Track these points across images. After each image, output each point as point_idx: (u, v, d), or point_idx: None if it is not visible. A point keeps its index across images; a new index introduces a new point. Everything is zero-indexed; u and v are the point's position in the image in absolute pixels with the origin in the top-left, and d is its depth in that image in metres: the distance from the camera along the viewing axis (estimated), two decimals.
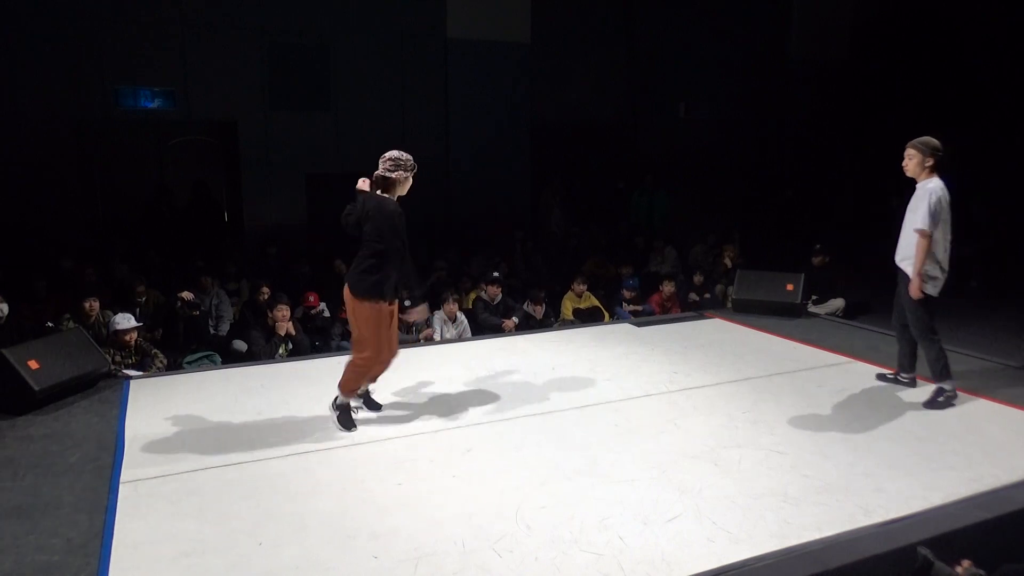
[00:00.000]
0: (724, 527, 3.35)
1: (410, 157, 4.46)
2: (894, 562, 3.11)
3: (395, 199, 4.41)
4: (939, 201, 4.73)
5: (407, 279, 4.40)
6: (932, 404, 4.89)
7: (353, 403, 4.68)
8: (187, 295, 7.31)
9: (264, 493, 3.71)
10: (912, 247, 4.83)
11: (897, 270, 5.02)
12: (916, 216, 4.79)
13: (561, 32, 12.52)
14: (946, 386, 4.92)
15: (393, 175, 4.38)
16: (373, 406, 4.84)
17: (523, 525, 3.38)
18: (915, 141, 4.89)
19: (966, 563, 2.88)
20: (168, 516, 3.48)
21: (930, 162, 4.81)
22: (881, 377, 5.44)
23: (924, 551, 2.99)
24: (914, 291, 4.82)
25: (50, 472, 3.96)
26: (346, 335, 7.01)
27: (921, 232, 4.75)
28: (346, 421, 4.55)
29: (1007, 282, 9.60)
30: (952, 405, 4.89)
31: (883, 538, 3.22)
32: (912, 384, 5.28)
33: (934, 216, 4.72)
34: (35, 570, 3.05)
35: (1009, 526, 3.42)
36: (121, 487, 3.78)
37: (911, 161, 4.88)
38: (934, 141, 4.85)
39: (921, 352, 5.10)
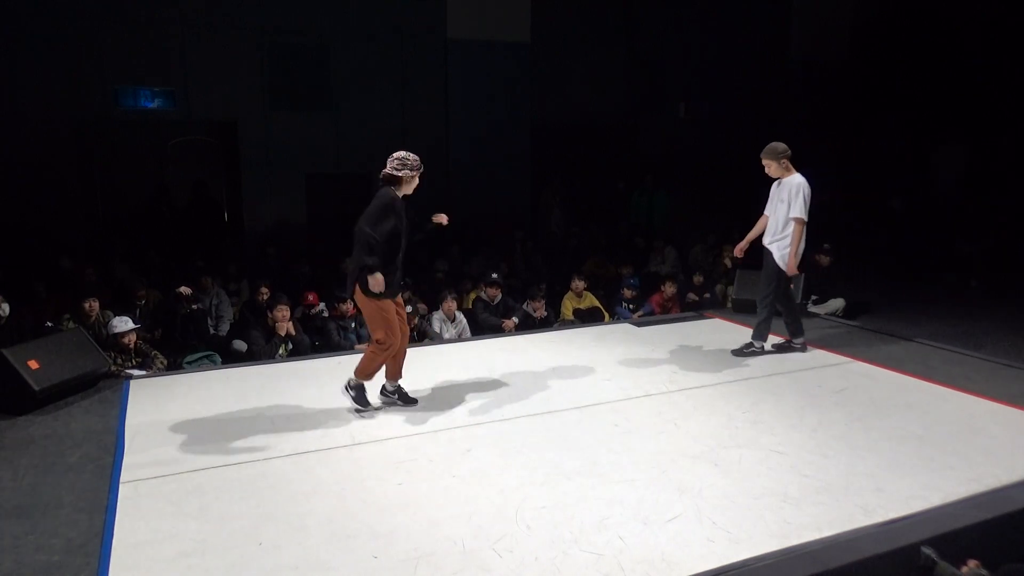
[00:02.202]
0: (724, 527, 3.35)
1: (417, 158, 4.66)
2: (894, 562, 3.11)
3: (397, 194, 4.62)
4: (808, 194, 5.64)
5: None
6: (740, 352, 5.99)
7: (381, 400, 4.94)
8: (185, 290, 7.33)
9: (264, 493, 3.71)
10: (780, 231, 5.74)
11: (765, 251, 5.89)
12: (794, 207, 5.62)
13: (561, 32, 12.52)
14: (756, 343, 6.00)
15: (400, 173, 4.58)
16: (408, 400, 4.97)
17: (523, 525, 3.37)
18: (765, 152, 5.73)
19: (973, 563, 2.87)
20: (168, 516, 3.48)
21: (784, 162, 5.71)
22: (777, 347, 6.15)
23: (928, 551, 2.98)
24: (792, 269, 5.75)
25: (50, 472, 3.96)
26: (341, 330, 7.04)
27: (799, 220, 5.63)
28: (362, 400, 4.78)
29: (1008, 281, 9.58)
30: (756, 354, 5.95)
31: (883, 538, 3.22)
32: (803, 349, 6.11)
33: (806, 206, 5.61)
34: (35, 570, 3.05)
35: (1009, 526, 3.42)
36: (121, 487, 3.78)
37: (770, 168, 5.76)
38: (779, 145, 5.72)
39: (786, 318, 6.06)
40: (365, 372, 4.75)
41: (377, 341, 4.66)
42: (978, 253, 10.10)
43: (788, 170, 5.73)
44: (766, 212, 6.00)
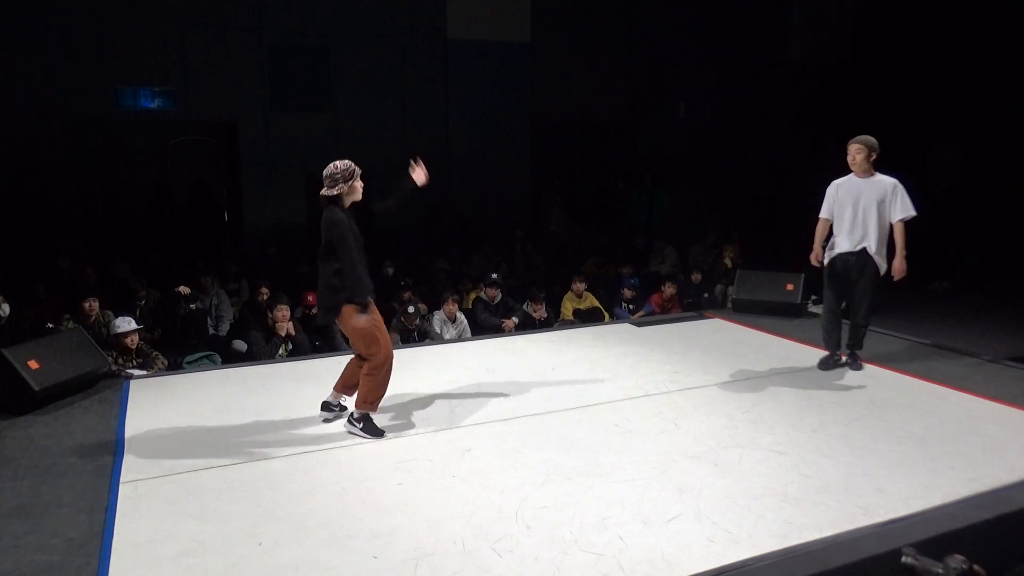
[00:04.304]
0: (724, 527, 3.35)
1: (346, 164, 4.30)
2: (894, 562, 3.10)
3: (344, 208, 4.30)
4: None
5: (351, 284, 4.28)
6: (857, 367, 5.68)
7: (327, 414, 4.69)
8: (184, 289, 7.34)
9: (264, 493, 3.71)
10: (881, 236, 5.34)
11: (859, 257, 5.39)
12: (905, 207, 5.28)
13: (561, 32, 12.53)
14: (861, 353, 5.74)
15: (335, 191, 4.27)
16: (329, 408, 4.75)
17: (523, 525, 3.37)
18: (861, 138, 5.36)
19: (958, 557, 2.86)
20: (168, 516, 3.48)
21: (874, 156, 5.33)
22: (828, 364, 5.73)
23: (907, 558, 2.95)
24: (903, 271, 5.33)
25: (50, 472, 3.96)
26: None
27: (907, 220, 5.28)
28: (373, 429, 4.43)
29: (1007, 283, 9.56)
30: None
31: (883, 538, 3.22)
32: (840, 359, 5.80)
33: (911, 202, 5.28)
34: (35, 570, 3.05)
35: (1009, 526, 3.42)
36: (121, 487, 3.78)
37: (859, 155, 5.34)
38: (873, 139, 5.35)
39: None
40: (371, 400, 4.40)
41: (371, 355, 4.36)
42: (957, 254, 10.03)
43: (871, 169, 5.35)
44: (827, 215, 5.52)
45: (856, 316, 5.61)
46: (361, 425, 4.41)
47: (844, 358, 5.78)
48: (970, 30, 12.12)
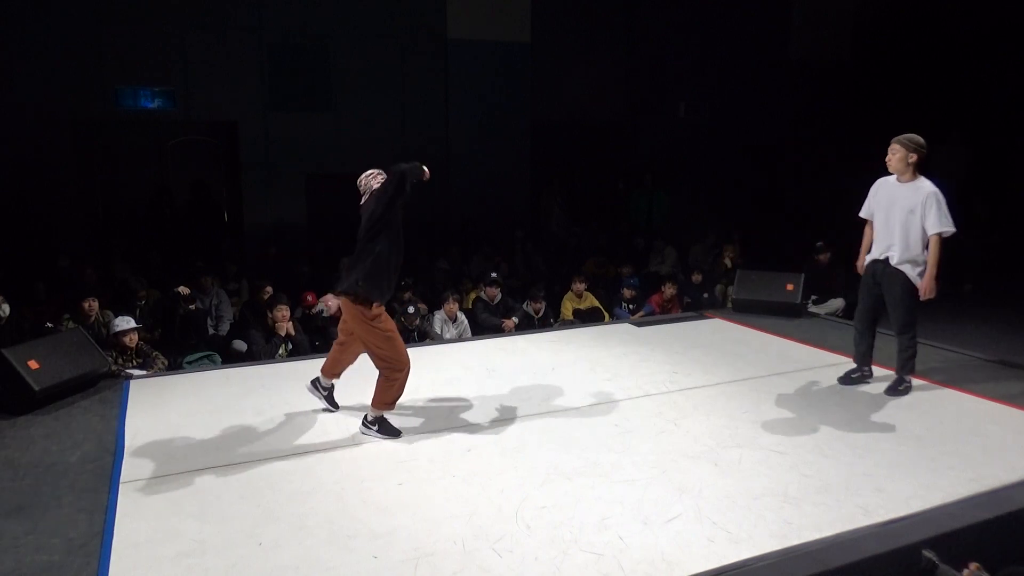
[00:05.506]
0: (724, 527, 3.35)
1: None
2: (894, 562, 3.11)
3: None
4: (945, 202, 4.77)
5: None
6: (895, 392, 5.09)
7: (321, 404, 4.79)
8: (184, 289, 7.34)
9: (264, 493, 3.71)
10: (906, 246, 4.88)
11: (885, 269, 4.99)
12: (930, 219, 4.79)
13: (561, 32, 12.53)
14: (908, 379, 5.16)
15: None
16: (332, 404, 4.81)
17: (523, 525, 3.37)
18: (902, 136, 4.90)
19: (973, 566, 2.86)
20: (168, 516, 3.48)
21: (914, 158, 4.83)
22: (848, 378, 5.35)
23: (928, 554, 2.97)
24: (932, 291, 4.90)
25: (50, 472, 3.96)
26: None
27: (943, 235, 4.79)
28: (389, 429, 4.42)
29: (1007, 284, 9.57)
30: (908, 393, 5.11)
31: (883, 538, 3.22)
32: (870, 375, 5.40)
33: (948, 217, 4.77)
34: (35, 570, 3.05)
35: (1009, 526, 3.42)
36: (121, 487, 3.78)
37: (894, 156, 4.89)
38: (919, 138, 4.87)
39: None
40: (389, 400, 4.36)
41: (387, 361, 4.29)
42: (977, 254, 10.06)
43: (914, 173, 4.87)
44: (866, 216, 5.17)
45: (894, 331, 5.12)
46: (376, 427, 4.40)
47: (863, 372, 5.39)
48: (970, 30, 12.12)
